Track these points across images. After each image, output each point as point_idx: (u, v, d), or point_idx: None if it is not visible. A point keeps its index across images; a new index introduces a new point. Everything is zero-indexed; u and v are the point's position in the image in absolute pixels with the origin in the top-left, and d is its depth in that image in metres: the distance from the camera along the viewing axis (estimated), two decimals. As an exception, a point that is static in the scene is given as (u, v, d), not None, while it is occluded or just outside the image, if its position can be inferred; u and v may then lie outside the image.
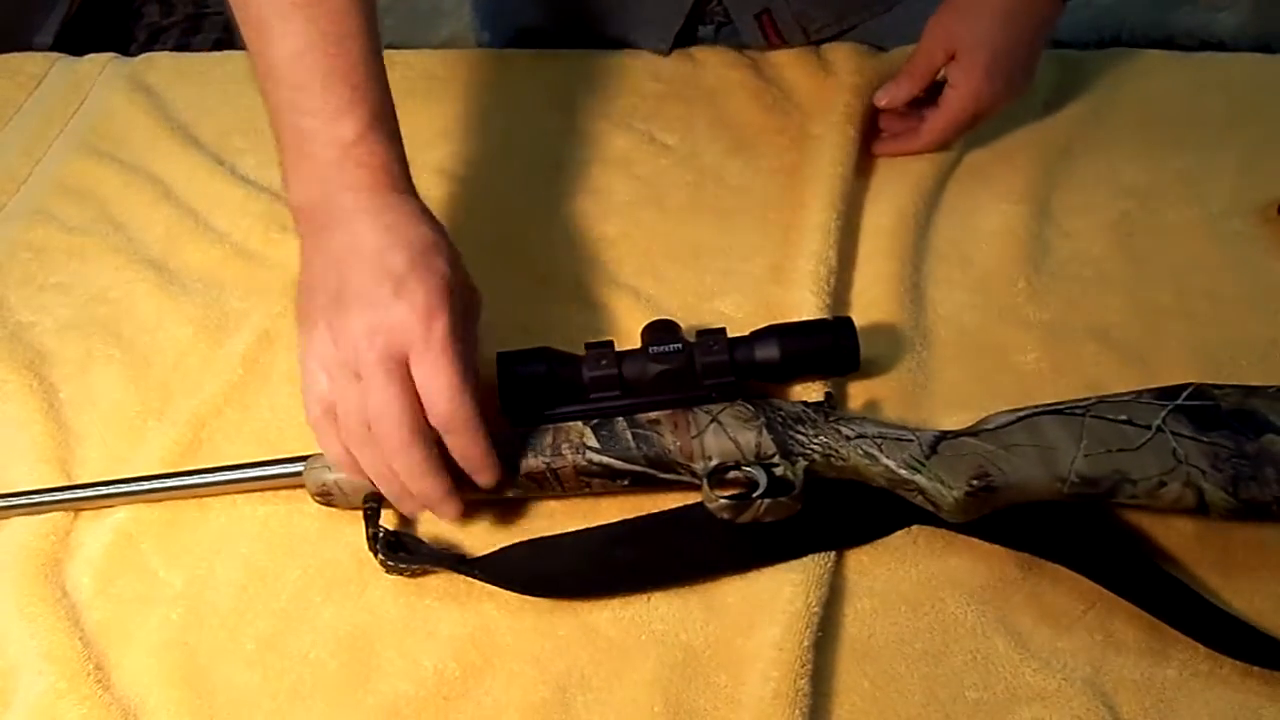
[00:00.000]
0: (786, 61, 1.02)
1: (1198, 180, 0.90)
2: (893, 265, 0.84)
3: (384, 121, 0.71)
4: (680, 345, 0.73)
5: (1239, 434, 0.67)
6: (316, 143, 0.69)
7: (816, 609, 0.66)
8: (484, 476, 0.67)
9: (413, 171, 0.94)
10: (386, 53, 1.05)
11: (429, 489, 0.65)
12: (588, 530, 0.71)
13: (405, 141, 0.96)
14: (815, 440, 0.69)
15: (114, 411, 0.79)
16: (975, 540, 0.69)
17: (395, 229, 0.67)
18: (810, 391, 0.76)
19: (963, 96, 0.87)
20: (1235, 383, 0.70)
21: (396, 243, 0.66)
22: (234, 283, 0.87)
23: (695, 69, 1.02)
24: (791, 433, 0.69)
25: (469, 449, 0.65)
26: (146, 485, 0.73)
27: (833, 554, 0.69)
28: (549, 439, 0.70)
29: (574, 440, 0.70)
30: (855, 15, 1.02)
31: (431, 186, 0.93)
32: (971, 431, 0.69)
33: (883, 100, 0.91)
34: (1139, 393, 0.70)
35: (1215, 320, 0.80)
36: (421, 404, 0.63)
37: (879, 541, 0.70)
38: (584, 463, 0.69)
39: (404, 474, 0.64)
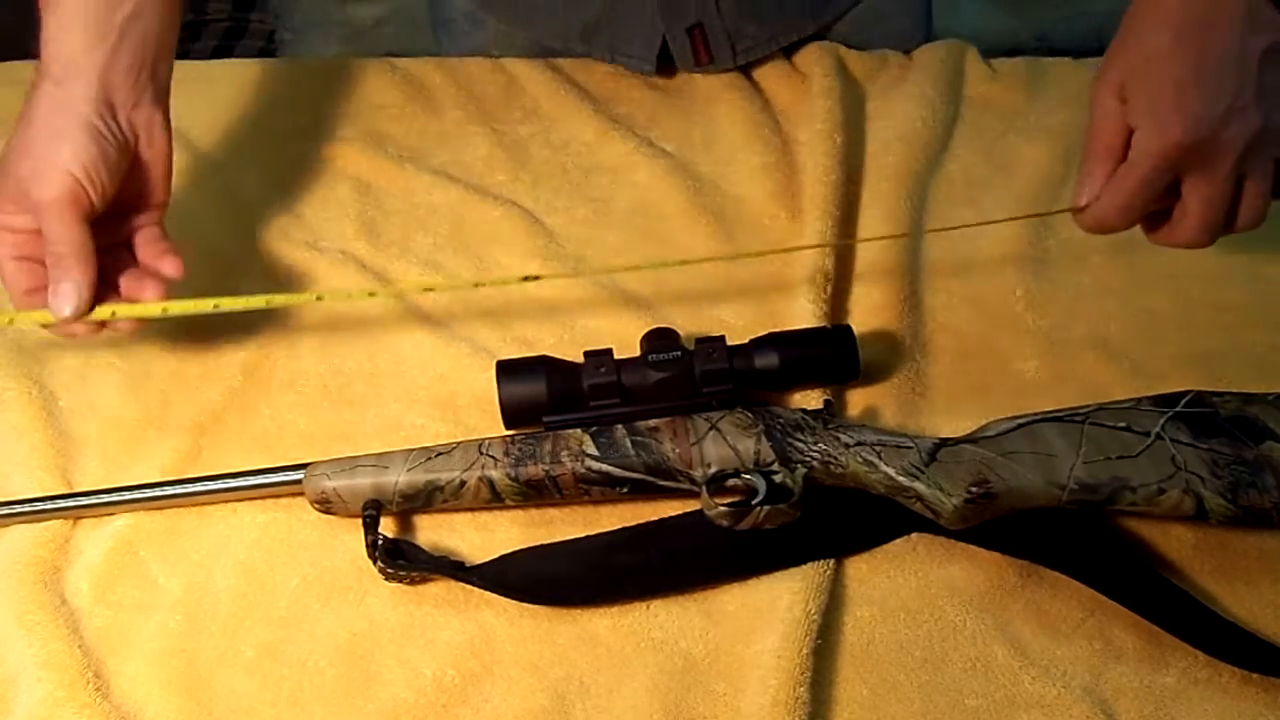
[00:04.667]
0: (760, 72, 1.02)
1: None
2: (891, 273, 0.84)
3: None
4: (679, 353, 0.73)
5: (1238, 441, 0.67)
6: None
7: (816, 616, 0.66)
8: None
9: (413, 176, 0.95)
10: (386, 59, 1.07)
11: None
12: (587, 537, 0.71)
13: (405, 147, 0.97)
14: (814, 448, 0.69)
15: (114, 419, 0.79)
16: (974, 548, 0.69)
17: None
18: (809, 399, 0.76)
19: (1147, 140, 0.66)
20: (1234, 390, 0.70)
21: None
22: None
23: (685, 79, 1.03)
24: (790, 440, 0.69)
25: None
26: (146, 493, 0.73)
27: (832, 561, 0.69)
28: (548, 446, 0.70)
29: (573, 448, 0.70)
30: (784, 35, 1.02)
31: (431, 191, 0.94)
32: (971, 439, 0.69)
33: (1084, 197, 0.69)
34: (1138, 400, 0.70)
35: (1215, 327, 0.81)
36: None
37: (878, 549, 0.70)
38: (583, 470, 0.69)
39: None
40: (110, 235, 0.75)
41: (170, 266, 0.76)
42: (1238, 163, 0.65)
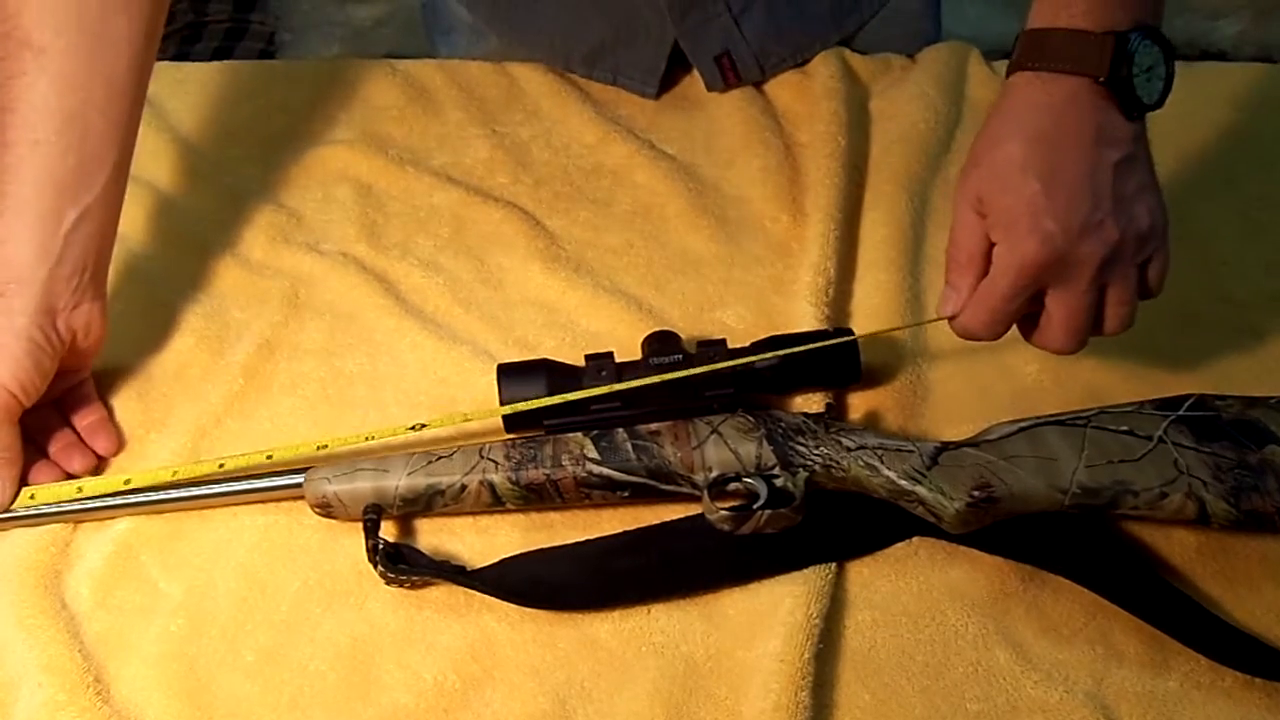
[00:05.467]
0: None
1: (1198, 192, 0.90)
2: (893, 276, 0.84)
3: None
4: (681, 356, 0.73)
5: (1240, 444, 0.67)
6: None
7: (817, 620, 0.66)
8: None
9: (414, 178, 0.94)
10: (386, 61, 1.07)
11: None
12: (588, 541, 0.70)
13: (406, 149, 0.97)
14: (816, 451, 0.69)
15: (115, 422, 0.79)
16: (976, 551, 0.69)
17: None
18: (811, 403, 0.76)
19: (1006, 256, 0.66)
20: (1237, 393, 0.70)
21: None
22: (234, 292, 0.87)
23: (687, 81, 1.03)
24: (792, 444, 0.69)
25: None
26: (147, 496, 0.72)
27: (833, 565, 0.69)
28: (549, 450, 0.70)
29: (574, 452, 0.70)
30: (809, 49, 1.02)
31: (432, 193, 0.94)
32: (972, 442, 0.69)
33: (948, 309, 0.69)
34: (1140, 403, 0.70)
35: (1218, 330, 0.80)
36: None
37: (880, 553, 0.70)
38: (584, 474, 0.69)
39: None
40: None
41: (104, 445, 0.76)
42: (1097, 275, 0.65)
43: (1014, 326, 0.69)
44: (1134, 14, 0.65)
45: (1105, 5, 0.65)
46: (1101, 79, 0.64)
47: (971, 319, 0.68)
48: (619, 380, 0.72)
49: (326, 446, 0.72)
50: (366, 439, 0.72)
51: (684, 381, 0.72)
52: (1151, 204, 0.67)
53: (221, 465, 0.72)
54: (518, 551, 0.70)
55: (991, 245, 0.67)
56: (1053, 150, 0.65)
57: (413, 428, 0.72)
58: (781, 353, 0.73)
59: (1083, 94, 0.65)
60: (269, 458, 0.72)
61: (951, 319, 0.69)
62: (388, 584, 0.69)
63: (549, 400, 0.71)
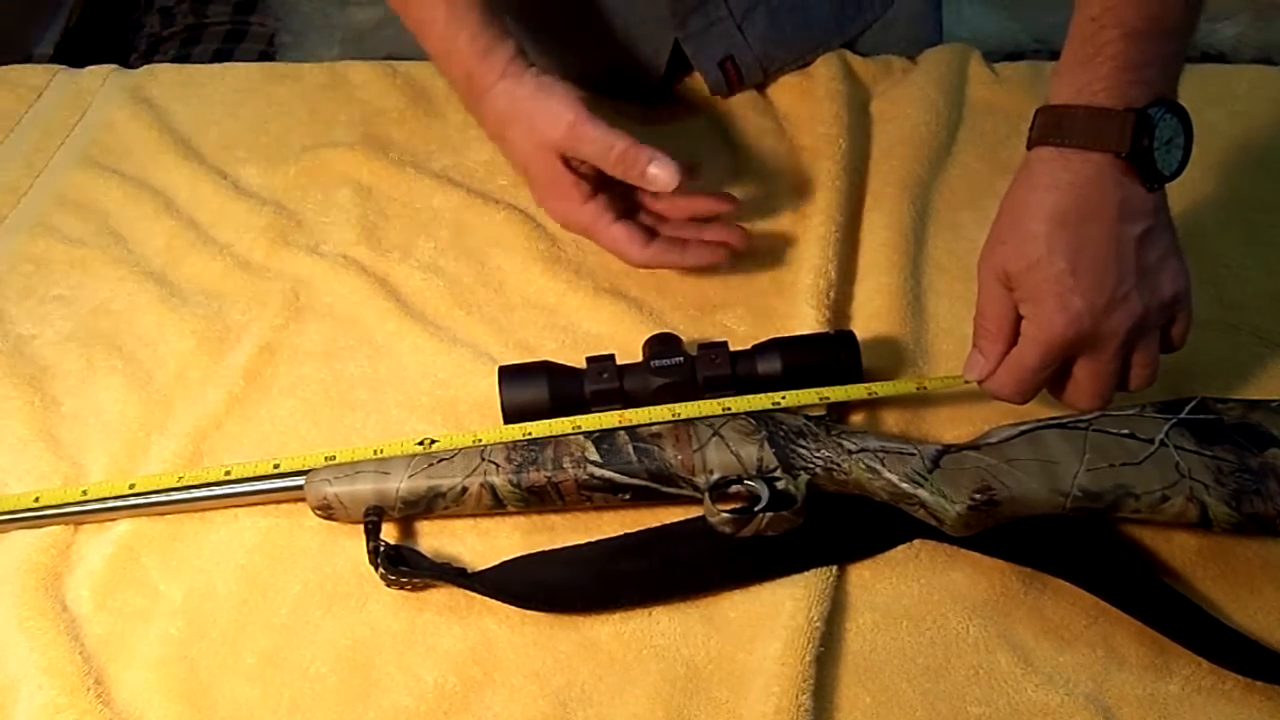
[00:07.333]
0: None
1: (1198, 194, 0.90)
2: (894, 278, 0.84)
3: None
4: (682, 358, 0.73)
5: (1242, 448, 0.67)
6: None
7: (818, 623, 0.66)
8: None
9: (414, 180, 0.95)
10: (387, 63, 1.07)
11: None
12: (589, 544, 0.70)
13: (407, 151, 0.97)
14: (817, 454, 0.69)
15: (116, 424, 0.79)
16: (977, 554, 0.69)
17: None
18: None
19: (1034, 331, 0.68)
20: (1239, 396, 0.70)
21: None
22: (235, 295, 0.87)
23: (688, 83, 1.03)
24: (793, 446, 0.69)
25: None
26: (147, 498, 0.72)
27: (834, 568, 0.69)
28: (550, 453, 0.70)
29: (575, 454, 0.70)
30: (812, 54, 1.03)
31: (433, 195, 0.94)
32: (974, 445, 0.69)
33: (975, 373, 0.71)
34: (1142, 406, 0.70)
35: (1218, 332, 0.80)
36: None
37: (881, 556, 0.70)
38: (585, 476, 0.69)
39: None
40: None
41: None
42: (1123, 345, 0.67)
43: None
44: (1154, 89, 0.66)
45: (1126, 82, 0.66)
46: (1123, 154, 0.65)
47: (1001, 385, 0.70)
48: (621, 383, 0.72)
49: (334, 458, 0.72)
50: (376, 453, 0.72)
51: (686, 384, 0.72)
52: (1174, 270, 0.68)
53: (228, 473, 0.72)
54: (518, 554, 0.70)
55: (1018, 315, 0.69)
56: (1077, 228, 0.66)
57: (421, 443, 0.72)
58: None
59: (1105, 170, 0.66)
60: (275, 467, 0.72)
61: (979, 383, 0.71)
62: (388, 586, 0.69)
63: (559, 421, 0.71)
